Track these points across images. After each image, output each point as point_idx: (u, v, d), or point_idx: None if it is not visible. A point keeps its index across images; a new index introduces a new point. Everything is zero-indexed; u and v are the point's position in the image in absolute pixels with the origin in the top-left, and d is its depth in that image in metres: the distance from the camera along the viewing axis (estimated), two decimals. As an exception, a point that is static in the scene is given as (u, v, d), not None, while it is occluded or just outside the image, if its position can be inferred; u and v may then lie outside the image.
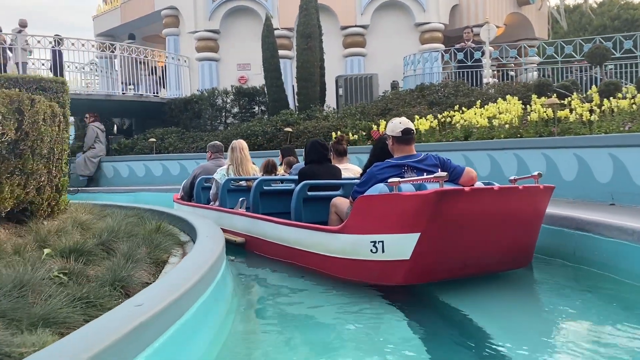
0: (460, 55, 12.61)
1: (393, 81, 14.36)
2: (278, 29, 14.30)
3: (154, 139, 12.83)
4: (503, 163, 6.93)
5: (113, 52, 13.94)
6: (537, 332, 2.89)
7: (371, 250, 3.57)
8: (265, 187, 5.46)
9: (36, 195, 4.07)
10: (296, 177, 5.33)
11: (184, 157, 12.24)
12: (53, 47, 12.95)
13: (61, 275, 2.78)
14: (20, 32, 12.83)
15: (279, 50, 13.43)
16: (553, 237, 4.39)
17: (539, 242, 3.99)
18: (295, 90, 12.85)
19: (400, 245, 3.44)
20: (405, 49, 14.58)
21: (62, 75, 12.51)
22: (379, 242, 3.53)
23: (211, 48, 15.33)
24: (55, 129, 4.47)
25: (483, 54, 12.42)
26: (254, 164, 6.44)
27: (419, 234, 3.34)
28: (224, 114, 13.83)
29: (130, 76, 14.01)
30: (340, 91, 12.97)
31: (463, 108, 9.20)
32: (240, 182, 6.11)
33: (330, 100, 13.47)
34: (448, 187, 3.48)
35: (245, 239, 5.32)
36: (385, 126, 4.75)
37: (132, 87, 14.37)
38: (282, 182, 5.78)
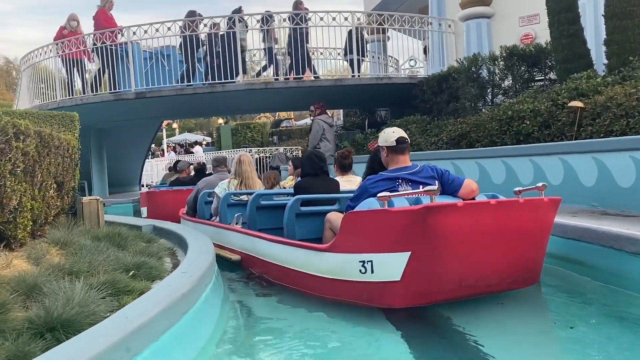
0: None
1: None
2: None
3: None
4: None
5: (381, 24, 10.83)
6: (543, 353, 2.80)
7: (360, 270, 3.36)
8: (262, 202, 5.22)
9: None
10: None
11: (418, 156, 8.38)
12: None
13: None
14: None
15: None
16: None
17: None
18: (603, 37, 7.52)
19: (389, 266, 3.24)
20: None
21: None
22: (367, 261, 3.33)
23: (482, 0, 10.88)
24: None
25: None
26: (259, 177, 6.31)
27: (409, 252, 3.15)
28: (490, 90, 9.34)
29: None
30: (697, 28, 7.00)
31: None
32: (242, 197, 5.87)
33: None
34: (440, 201, 3.25)
35: (241, 256, 5.07)
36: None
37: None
38: (287, 196, 5.36)
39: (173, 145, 32.90)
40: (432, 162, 8.55)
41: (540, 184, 3.67)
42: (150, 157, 29.27)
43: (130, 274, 3.59)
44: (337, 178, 5.45)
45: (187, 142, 34.62)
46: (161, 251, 4.46)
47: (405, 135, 3.85)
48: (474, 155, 7.35)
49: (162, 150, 30.39)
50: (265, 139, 28.17)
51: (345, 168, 5.65)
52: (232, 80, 10.28)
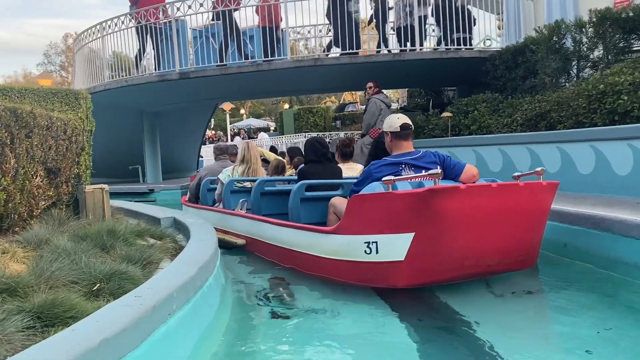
0: None
1: None
2: None
3: (448, 114, 8.18)
4: None
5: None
6: (540, 337, 2.79)
7: (365, 251, 3.46)
8: (266, 188, 5.31)
9: None
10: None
11: (486, 140, 7.21)
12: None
13: None
14: None
15: None
16: None
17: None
18: None
19: (394, 246, 3.33)
20: None
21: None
22: (372, 242, 3.42)
23: (567, -40, 9.34)
24: None
25: None
26: (264, 164, 6.43)
27: (413, 233, 3.24)
28: (575, 63, 7.92)
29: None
30: None
31: None
32: (245, 183, 5.91)
33: None
34: (443, 184, 3.30)
35: (246, 240, 5.19)
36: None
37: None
38: (289, 182, 5.55)
39: (237, 130, 32.73)
40: (504, 146, 7.41)
41: (539, 169, 3.74)
42: (215, 142, 29.30)
43: (95, 288, 2.81)
44: (339, 165, 5.59)
45: (252, 127, 34.38)
46: (158, 253, 3.65)
47: (410, 122, 3.97)
48: (555, 139, 6.11)
49: (226, 136, 30.25)
50: (328, 123, 27.28)
51: (346, 156, 5.92)
52: (279, 58, 9.41)
